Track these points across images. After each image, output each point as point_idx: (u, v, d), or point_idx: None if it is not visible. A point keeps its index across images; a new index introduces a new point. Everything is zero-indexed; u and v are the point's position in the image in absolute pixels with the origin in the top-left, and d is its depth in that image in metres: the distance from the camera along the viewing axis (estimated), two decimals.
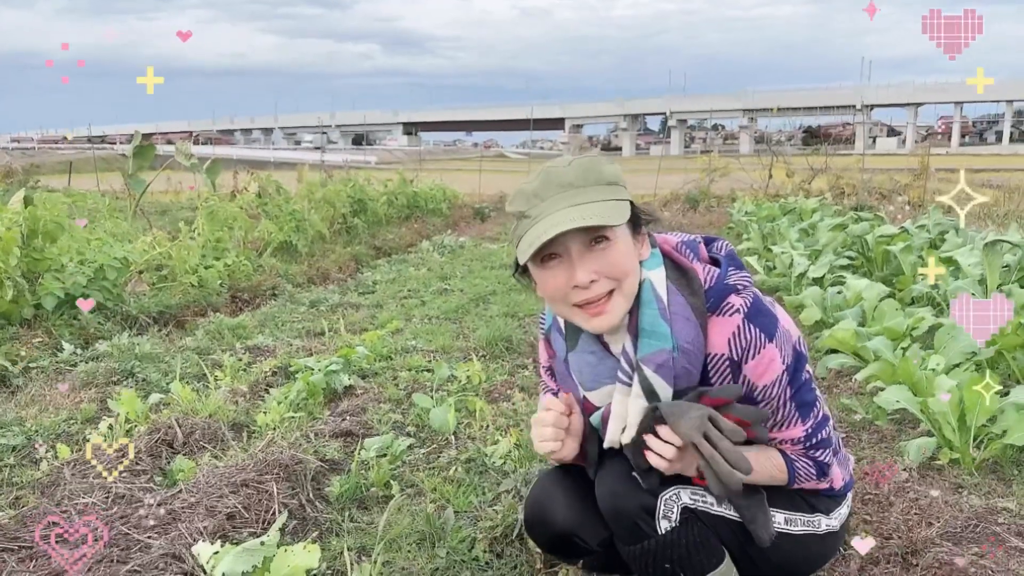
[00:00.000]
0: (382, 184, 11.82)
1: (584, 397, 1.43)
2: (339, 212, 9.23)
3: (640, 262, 1.35)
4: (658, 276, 1.34)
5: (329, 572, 1.92)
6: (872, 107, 62.57)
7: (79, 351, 3.97)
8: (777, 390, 1.34)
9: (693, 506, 1.39)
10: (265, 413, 2.91)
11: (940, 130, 68.53)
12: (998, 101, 63.71)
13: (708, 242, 1.48)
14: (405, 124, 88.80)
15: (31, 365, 3.70)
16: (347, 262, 7.59)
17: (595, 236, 1.27)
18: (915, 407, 2.67)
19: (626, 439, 1.36)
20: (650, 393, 1.32)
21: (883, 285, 4.36)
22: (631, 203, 1.32)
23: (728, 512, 1.41)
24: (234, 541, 1.95)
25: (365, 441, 2.66)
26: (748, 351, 1.31)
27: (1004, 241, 3.98)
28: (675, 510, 1.38)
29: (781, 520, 1.44)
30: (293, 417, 2.88)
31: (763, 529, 1.38)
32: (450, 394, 3.26)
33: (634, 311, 1.33)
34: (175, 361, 3.71)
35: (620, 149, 72.18)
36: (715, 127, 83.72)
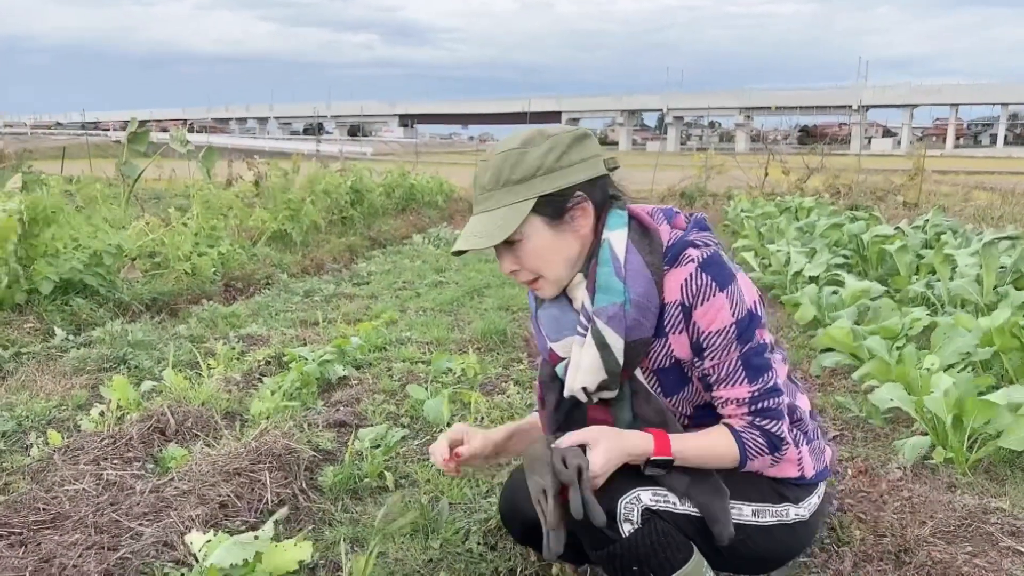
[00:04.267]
0: (380, 176, 11.77)
1: (550, 348, 1.51)
2: (336, 202, 9.20)
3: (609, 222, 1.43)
4: (618, 236, 1.41)
5: (322, 562, 1.91)
6: (868, 108, 62.72)
7: (71, 337, 3.94)
8: (723, 340, 1.37)
9: (655, 507, 1.39)
10: (259, 402, 2.89)
11: (935, 132, 68.73)
12: (993, 104, 63.93)
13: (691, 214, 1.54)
14: (401, 116, 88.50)
15: (22, 351, 3.67)
16: (342, 252, 7.56)
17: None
18: (910, 406, 2.67)
19: (577, 387, 1.44)
20: (601, 343, 1.39)
21: (879, 284, 4.37)
22: (550, 195, 1.37)
23: (691, 510, 1.40)
24: (227, 530, 1.94)
25: (359, 431, 2.65)
26: (698, 297, 1.36)
27: (1004, 237, 3.98)
28: (635, 512, 1.38)
29: (749, 512, 1.45)
30: (287, 406, 2.87)
31: (723, 528, 1.38)
32: (444, 386, 3.25)
33: (593, 270, 1.41)
34: (168, 348, 3.68)
35: (616, 144, 72.15)
36: (712, 124, 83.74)
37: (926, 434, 2.63)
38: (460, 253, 1.41)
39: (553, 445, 1.36)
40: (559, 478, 1.28)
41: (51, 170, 8.18)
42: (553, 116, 79.50)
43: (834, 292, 4.42)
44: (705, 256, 1.38)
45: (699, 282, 1.36)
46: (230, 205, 7.19)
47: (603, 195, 1.45)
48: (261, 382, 3.21)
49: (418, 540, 2.00)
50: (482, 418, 2.89)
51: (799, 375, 3.61)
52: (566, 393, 1.48)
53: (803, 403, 1.56)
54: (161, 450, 2.48)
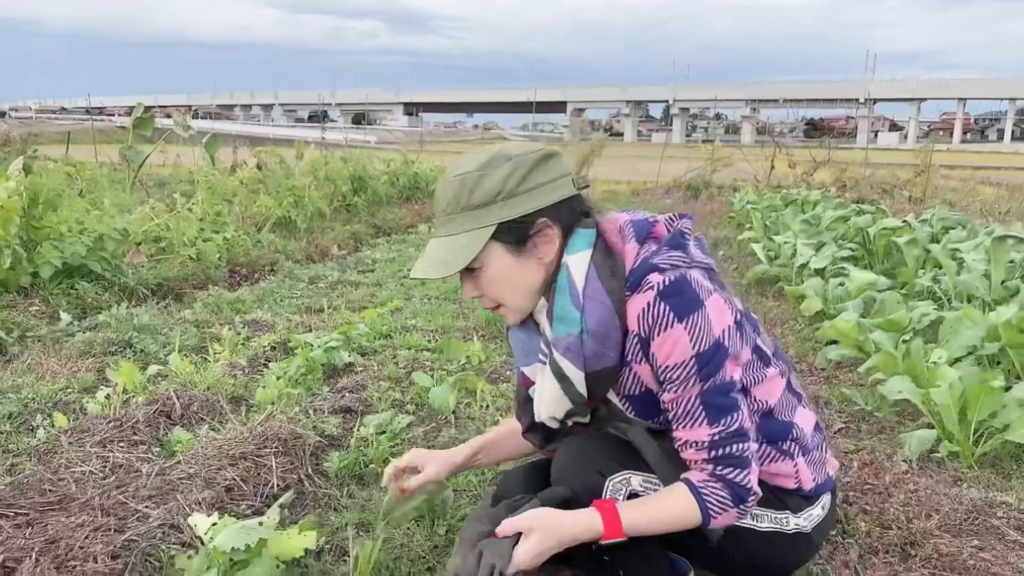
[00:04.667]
0: (383, 163, 11.75)
1: (522, 372, 1.48)
2: (340, 190, 9.19)
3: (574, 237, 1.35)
4: (577, 260, 1.32)
5: (328, 547, 1.92)
6: (875, 101, 62.39)
7: (77, 321, 3.94)
8: (681, 373, 1.26)
9: (643, 494, 1.34)
10: (264, 388, 2.89)
11: (942, 126, 68.38)
12: (1001, 99, 63.56)
13: (681, 217, 1.44)
14: (406, 104, 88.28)
15: (28, 334, 3.67)
16: (346, 240, 7.55)
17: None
18: (917, 398, 2.67)
19: (544, 416, 1.41)
20: (560, 375, 1.33)
21: (885, 278, 4.35)
22: (511, 221, 1.30)
23: None
24: (232, 513, 1.94)
25: (364, 418, 2.65)
26: (654, 328, 1.26)
27: (1012, 236, 3.96)
28: (623, 492, 1.33)
29: (747, 516, 1.37)
30: (292, 392, 2.87)
31: (712, 534, 1.33)
32: (450, 373, 3.25)
33: (552, 296, 1.34)
34: (173, 333, 3.68)
35: (622, 135, 71.93)
36: (717, 116, 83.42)
37: (932, 427, 2.63)
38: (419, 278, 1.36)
39: (493, 532, 1.28)
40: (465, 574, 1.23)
41: (56, 155, 8.17)
42: (558, 106, 79.26)
43: (840, 284, 4.40)
44: (667, 282, 1.27)
45: (656, 312, 1.26)
46: (234, 191, 7.18)
47: (572, 217, 1.35)
48: (267, 368, 3.21)
49: (424, 526, 2.00)
50: (487, 406, 2.89)
51: (803, 368, 3.61)
52: (536, 419, 1.44)
53: (803, 420, 1.46)
54: (167, 434, 2.48)
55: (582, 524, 1.28)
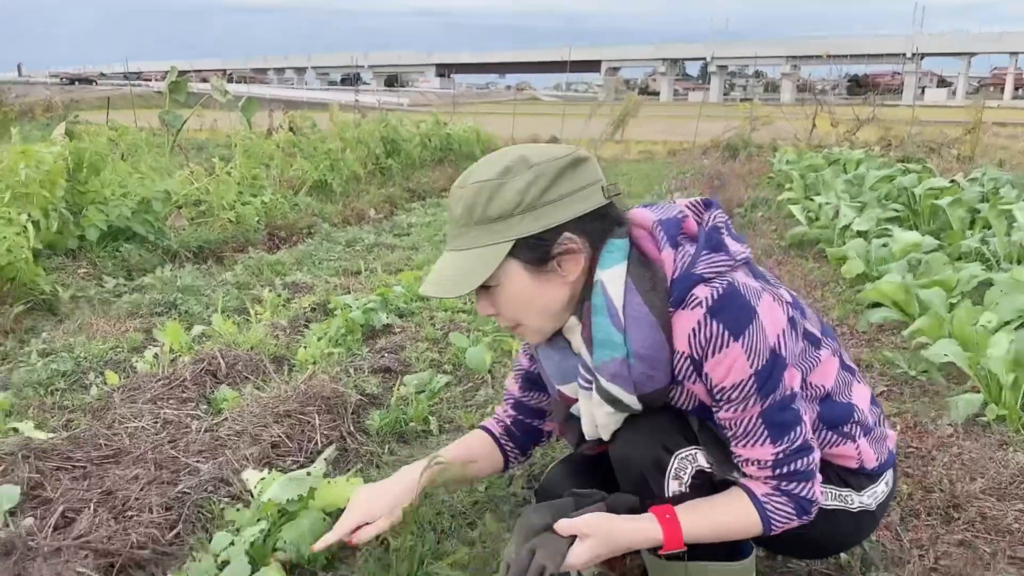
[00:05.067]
0: (415, 125, 11.72)
1: (558, 390, 1.37)
2: (373, 152, 9.21)
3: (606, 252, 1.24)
4: (613, 276, 1.20)
5: None
6: (923, 56, 60.06)
7: (124, 282, 4.05)
8: (740, 394, 1.17)
9: (711, 470, 1.28)
10: (305, 348, 2.95)
11: (993, 81, 65.68)
12: None
13: (706, 206, 1.32)
14: (438, 66, 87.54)
15: (78, 294, 3.79)
16: (381, 203, 7.59)
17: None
18: (964, 362, 2.61)
19: (601, 435, 1.32)
20: (612, 401, 1.24)
21: (932, 238, 4.24)
22: (532, 237, 1.18)
23: None
24: (279, 468, 2.00)
25: (404, 377, 2.69)
26: (707, 349, 1.16)
27: None
28: (688, 470, 1.26)
29: None
30: (332, 352, 2.92)
31: None
32: (485, 335, 3.27)
33: (587, 318, 1.23)
34: (216, 295, 3.76)
35: (658, 94, 70.54)
36: (757, 74, 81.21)
37: (978, 391, 2.58)
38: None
39: (551, 526, 1.24)
40: (514, 571, 1.21)
41: (97, 120, 8.32)
42: (593, 65, 77.83)
43: (884, 245, 4.30)
44: (716, 296, 1.16)
45: (708, 332, 1.15)
46: (271, 155, 7.25)
47: (601, 229, 1.22)
48: (307, 328, 3.27)
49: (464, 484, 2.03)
50: None
51: (844, 331, 3.55)
52: (588, 438, 1.36)
53: (861, 396, 1.39)
54: (213, 392, 2.55)
55: (641, 534, 1.24)
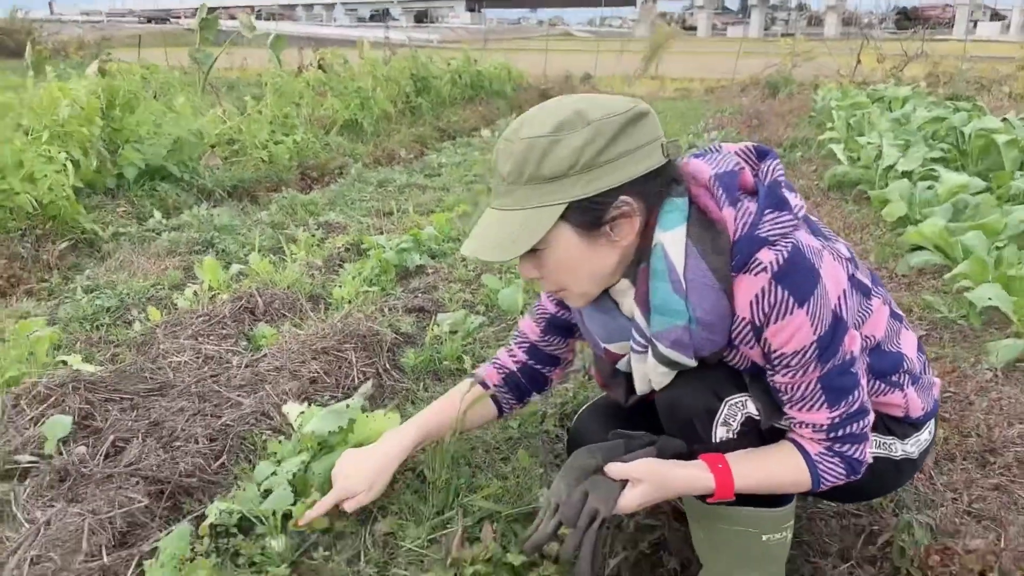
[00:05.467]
0: (445, 63, 11.52)
1: (604, 347, 1.34)
2: (403, 91, 9.10)
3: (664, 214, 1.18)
4: (675, 238, 1.15)
5: None
6: None
7: (162, 221, 4.11)
8: (800, 360, 1.14)
9: (759, 418, 1.26)
10: (340, 287, 2.98)
11: None
12: None
13: (760, 155, 1.25)
14: (468, 0, 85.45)
15: (120, 231, 3.86)
16: (412, 143, 7.54)
17: None
18: (1008, 307, 2.56)
19: (653, 390, 1.29)
20: (670, 363, 1.21)
21: (980, 180, 4.10)
22: (585, 200, 1.11)
23: None
24: (318, 403, 2.06)
25: (438, 317, 2.72)
26: (771, 316, 1.11)
27: None
28: (738, 417, 1.24)
29: None
30: (367, 292, 2.95)
31: None
32: (518, 276, 3.28)
33: (643, 281, 1.18)
34: (252, 233, 3.81)
35: (695, 29, 68.19)
36: (800, 7, 77.89)
37: (1021, 336, 2.53)
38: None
39: (601, 468, 1.25)
40: (566, 513, 1.21)
41: (128, 58, 8.32)
42: None
43: (929, 187, 4.17)
44: (781, 260, 1.10)
45: (773, 299, 1.10)
46: (301, 94, 7.20)
47: (659, 190, 1.16)
48: (342, 268, 3.31)
49: (498, 421, 2.07)
50: None
51: (883, 274, 3.48)
52: (639, 393, 1.33)
53: (908, 344, 1.36)
54: (252, 328, 2.61)
55: (694, 481, 1.23)
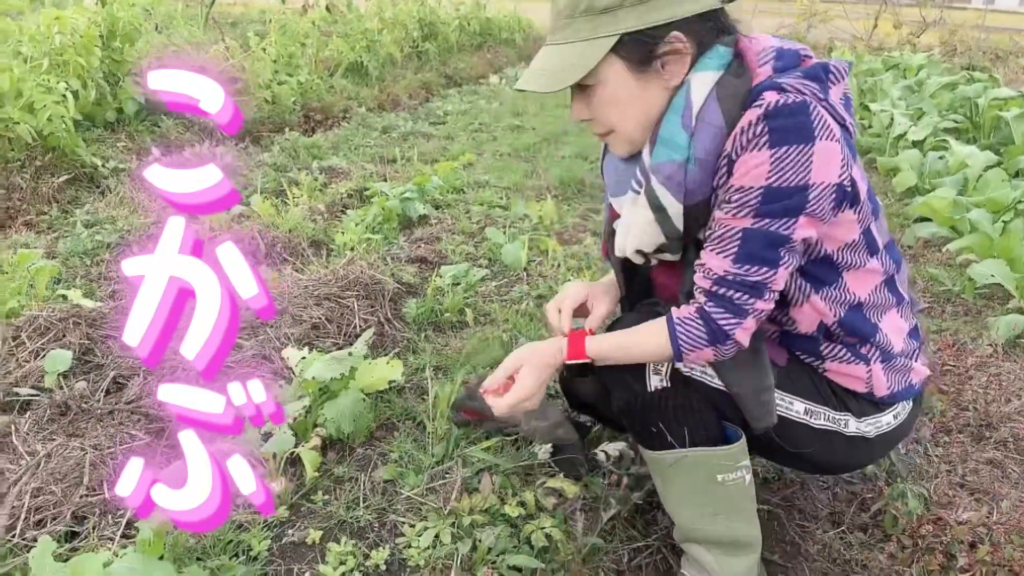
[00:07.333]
0: (454, 8, 11.24)
1: (610, 203, 1.35)
2: (410, 35, 8.90)
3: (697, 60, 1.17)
4: (704, 79, 1.14)
5: (408, 386, 2.02)
6: None
7: (163, 157, 4.05)
8: (740, 198, 1.11)
9: (688, 373, 1.28)
10: (343, 233, 2.96)
11: None
12: None
13: (841, 76, 1.22)
14: None
15: (120, 167, 3.81)
16: (417, 89, 7.41)
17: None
18: (1011, 283, 2.55)
19: (630, 250, 1.28)
20: (655, 205, 1.19)
21: (991, 153, 4.05)
22: (638, 33, 1.12)
23: (722, 385, 1.28)
24: (319, 349, 2.05)
25: (440, 268, 2.70)
26: (745, 148, 1.09)
27: None
28: (666, 366, 1.28)
29: (801, 409, 1.30)
30: (370, 239, 2.93)
31: (758, 421, 1.26)
32: (522, 232, 3.25)
33: (661, 118, 1.19)
34: (254, 175, 3.76)
35: None
36: None
37: (1023, 312, 2.53)
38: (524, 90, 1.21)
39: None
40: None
41: None
42: None
43: (940, 158, 4.12)
44: (781, 103, 1.07)
45: (752, 133, 1.08)
46: (306, 33, 7.03)
47: (710, 34, 1.16)
48: (344, 214, 3.27)
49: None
50: (559, 265, 2.90)
51: None
52: (617, 253, 1.33)
53: (894, 325, 1.31)
54: None
55: (554, 347, 1.33)
